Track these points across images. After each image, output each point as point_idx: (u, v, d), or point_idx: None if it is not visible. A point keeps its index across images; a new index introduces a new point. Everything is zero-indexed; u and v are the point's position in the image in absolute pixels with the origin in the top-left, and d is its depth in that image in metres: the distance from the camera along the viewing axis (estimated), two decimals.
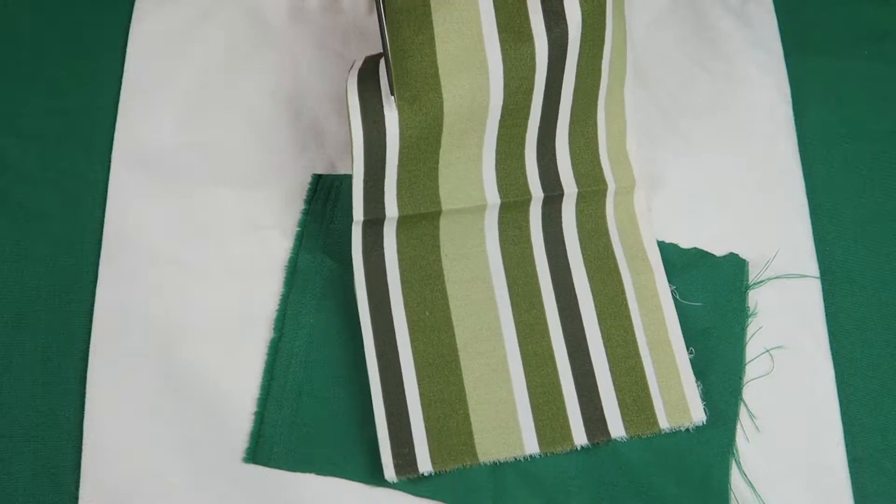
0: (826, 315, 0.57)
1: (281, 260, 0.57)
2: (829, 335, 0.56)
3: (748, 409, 0.54)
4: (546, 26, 0.53)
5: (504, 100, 0.54)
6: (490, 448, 0.52)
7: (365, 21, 0.64)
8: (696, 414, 0.53)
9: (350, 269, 0.55)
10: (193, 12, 0.64)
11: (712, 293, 0.57)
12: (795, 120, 0.62)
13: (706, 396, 0.54)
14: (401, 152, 0.54)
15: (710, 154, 0.61)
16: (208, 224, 0.58)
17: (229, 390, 0.54)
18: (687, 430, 0.53)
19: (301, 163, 0.60)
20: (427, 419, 0.52)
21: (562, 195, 0.58)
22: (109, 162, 0.59)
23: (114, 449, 0.52)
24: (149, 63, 0.62)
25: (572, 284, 0.56)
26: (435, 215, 0.57)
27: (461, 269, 0.56)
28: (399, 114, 0.53)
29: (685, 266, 0.58)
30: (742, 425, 0.54)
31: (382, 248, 0.55)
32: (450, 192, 0.57)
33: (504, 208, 0.57)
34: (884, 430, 0.54)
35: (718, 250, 0.58)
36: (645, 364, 0.54)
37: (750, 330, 0.56)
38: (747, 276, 0.57)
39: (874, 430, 0.54)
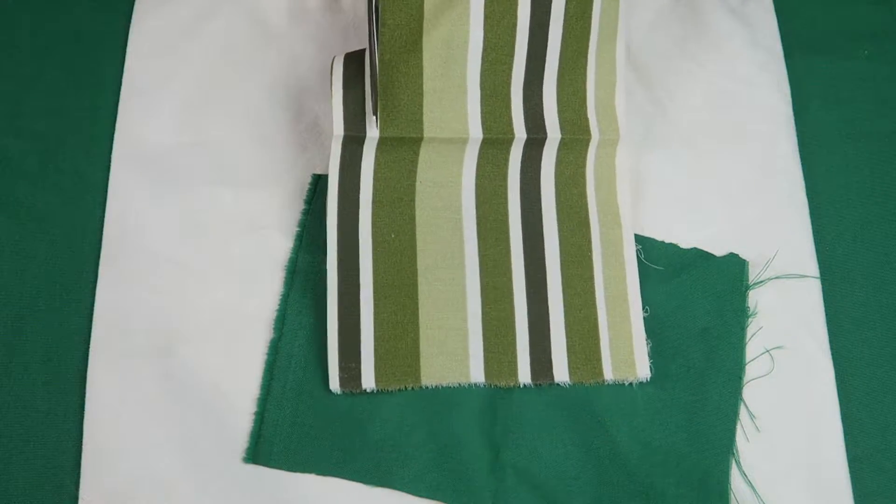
0: (826, 315, 0.57)
1: (281, 260, 0.57)
2: (829, 335, 0.56)
3: (748, 409, 0.54)
4: None
5: (485, 32, 0.54)
6: (435, 372, 0.53)
7: (364, 21, 0.64)
8: (642, 370, 0.54)
9: None
10: (193, 12, 0.64)
11: (712, 293, 0.57)
12: (795, 120, 0.62)
13: (705, 394, 0.54)
14: (380, 73, 0.55)
15: (710, 154, 0.61)
16: (208, 224, 0.58)
17: (229, 390, 0.54)
18: (681, 427, 0.53)
19: (301, 163, 0.60)
20: (377, 338, 0.53)
21: (545, 139, 0.58)
22: (109, 162, 0.59)
23: (114, 449, 0.52)
24: (149, 63, 0.62)
25: (541, 227, 0.57)
26: (416, 141, 0.57)
27: (433, 197, 0.56)
28: (378, 34, 0.53)
29: (685, 266, 0.58)
30: (742, 425, 0.54)
31: (360, 167, 0.56)
32: (433, 121, 0.57)
33: (485, 144, 0.57)
34: (884, 430, 0.54)
35: (718, 250, 0.58)
36: (599, 315, 0.55)
37: (750, 330, 0.56)
38: (747, 277, 0.57)
39: (874, 429, 0.54)
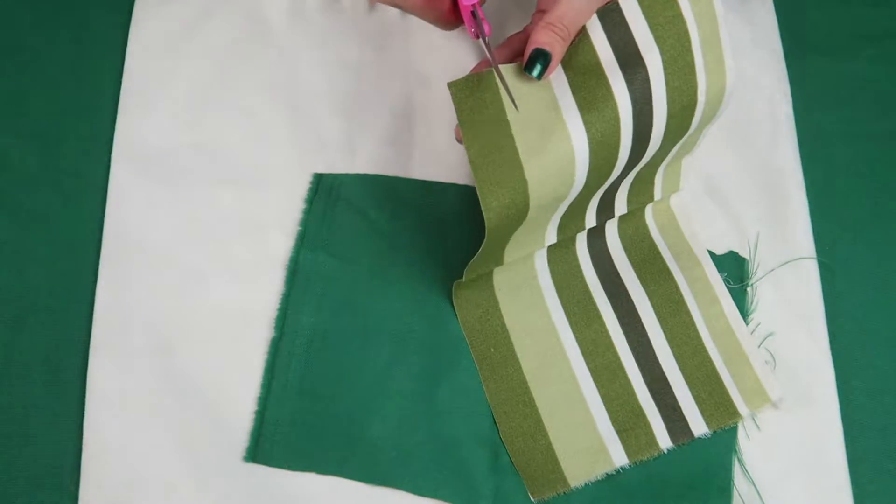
0: (826, 314, 0.57)
1: (281, 259, 0.57)
2: (829, 335, 0.56)
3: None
4: (626, 80, 0.47)
5: (590, 163, 0.48)
6: (579, 471, 0.52)
7: (365, 21, 0.64)
8: (773, 392, 0.53)
9: (351, 268, 0.56)
10: (193, 12, 0.64)
11: None
12: (795, 120, 0.62)
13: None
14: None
15: (710, 154, 0.61)
16: (208, 224, 0.58)
17: (229, 390, 0.54)
18: None
19: (301, 163, 0.60)
20: (513, 453, 0.53)
21: (611, 216, 0.58)
22: (109, 162, 0.59)
23: (114, 449, 0.52)
24: (149, 63, 0.62)
25: (626, 292, 0.56)
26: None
27: (516, 301, 0.56)
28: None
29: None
30: (743, 423, 0.54)
31: None
32: (511, 254, 0.55)
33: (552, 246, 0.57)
34: (884, 430, 0.54)
35: (718, 250, 0.58)
36: (713, 357, 0.54)
37: (749, 328, 0.56)
38: (747, 275, 0.57)
39: (874, 430, 0.54)
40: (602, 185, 0.52)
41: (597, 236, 0.57)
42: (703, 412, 0.53)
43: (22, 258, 0.57)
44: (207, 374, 0.54)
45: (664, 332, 0.55)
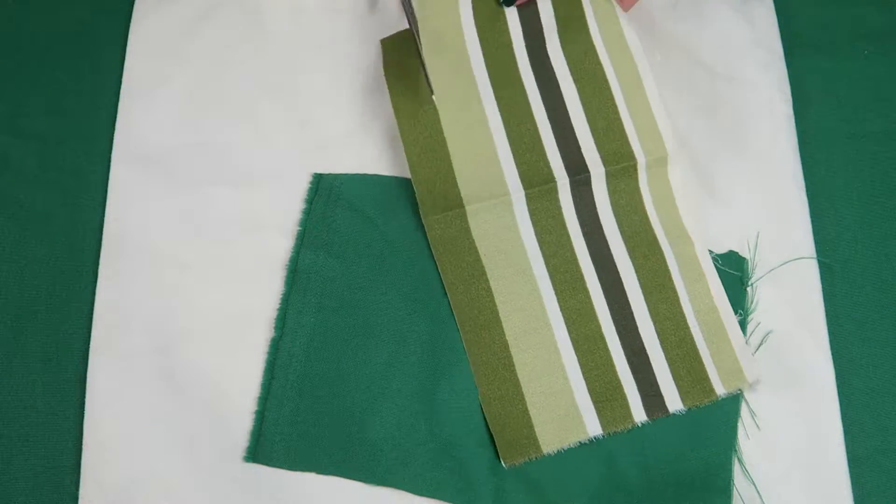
0: (826, 314, 0.57)
1: (281, 260, 0.57)
2: (829, 335, 0.56)
3: (749, 407, 0.54)
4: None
5: (497, 102, 0.56)
6: (553, 438, 0.53)
7: (365, 21, 0.64)
8: (751, 375, 0.54)
9: (351, 268, 0.56)
10: (193, 12, 0.64)
11: None
12: (795, 120, 0.62)
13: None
14: (410, 169, 0.56)
15: (710, 154, 0.61)
16: (208, 224, 0.58)
17: (229, 389, 0.54)
18: (682, 424, 0.54)
19: (301, 163, 0.60)
20: (489, 417, 0.53)
21: (589, 177, 0.58)
22: (109, 162, 0.59)
23: (114, 449, 0.52)
24: (149, 63, 0.62)
25: (614, 264, 0.56)
26: (461, 216, 0.57)
27: (502, 265, 0.56)
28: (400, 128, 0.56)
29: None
30: (742, 422, 0.54)
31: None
32: (471, 192, 0.57)
33: (531, 199, 0.57)
34: (884, 430, 0.54)
35: (718, 250, 0.58)
36: (694, 334, 0.55)
37: (749, 328, 0.56)
38: (747, 275, 0.57)
39: (874, 430, 0.54)
40: (530, 114, 0.58)
41: (585, 203, 0.58)
42: (679, 389, 0.54)
43: (22, 258, 0.57)
44: (207, 374, 0.54)
45: (648, 306, 0.56)
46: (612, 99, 0.59)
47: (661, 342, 0.55)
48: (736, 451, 0.53)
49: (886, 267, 0.59)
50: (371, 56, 0.63)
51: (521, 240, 0.57)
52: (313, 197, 0.59)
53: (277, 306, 0.56)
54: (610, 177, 0.58)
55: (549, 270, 0.56)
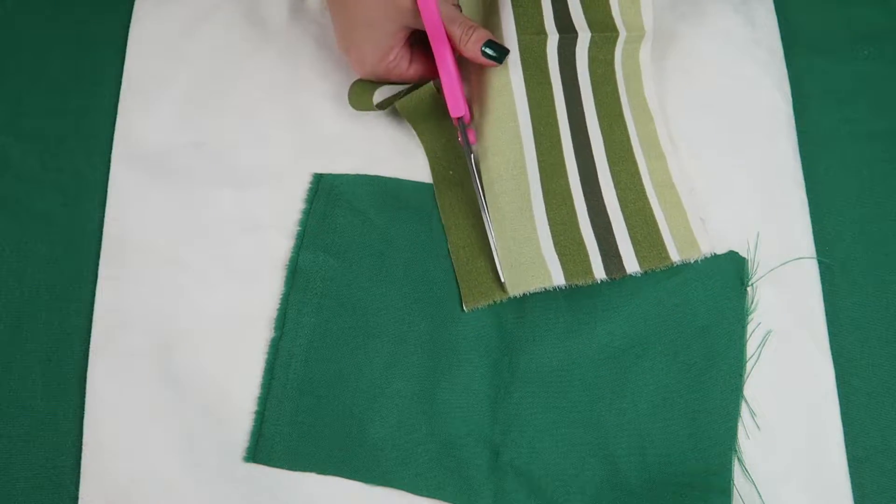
0: (826, 314, 0.57)
1: (281, 260, 0.57)
2: (829, 335, 0.56)
3: (749, 407, 0.54)
4: None
5: None
6: (519, 281, 0.54)
7: None
8: (704, 246, 0.56)
9: (351, 268, 0.56)
10: (193, 12, 0.64)
11: (712, 291, 0.57)
12: (795, 120, 0.62)
13: (706, 392, 0.54)
14: None
15: (710, 154, 0.61)
16: (208, 224, 0.58)
17: (229, 390, 0.54)
18: (682, 425, 0.54)
19: (301, 163, 0.60)
20: (456, 263, 0.56)
21: (576, 37, 0.60)
22: (109, 162, 0.59)
23: (114, 449, 0.52)
24: (149, 63, 0.62)
25: (586, 127, 0.59)
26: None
27: (489, 108, 0.58)
28: None
29: (685, 264, 0.58)
30: (742, 422, 0.54)
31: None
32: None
33: (523, 47, 0.59)
34: (884, 430, 0.54)
35: (718, 249, 0.58)
36: (653, 205, 0.57)
37: (749, 328, 0.56)
38: (747, 275, 0.57)
39: (874, 430, 0.54)
40: None
41: (568, 64, 0.60)
42: (637, 252, 0.55)
43: (22, 258, 0.57)
44: (207, 374, 0.54)
45: (612, 173, 0.58)
46: None
47: (622, 208, 0.57)
48: (736, 451, 0.53)
49: (886, 267, 0.59)
50: None
51: (510, 85, 0.58)
52: (313, 197, 0.59)
53: (277, 306, 0.56)
54: (592, 44, 0.60)
55: (532, 120, 0.58)
